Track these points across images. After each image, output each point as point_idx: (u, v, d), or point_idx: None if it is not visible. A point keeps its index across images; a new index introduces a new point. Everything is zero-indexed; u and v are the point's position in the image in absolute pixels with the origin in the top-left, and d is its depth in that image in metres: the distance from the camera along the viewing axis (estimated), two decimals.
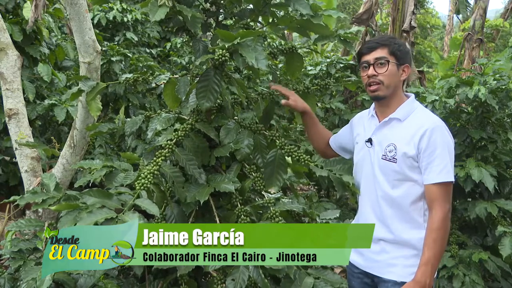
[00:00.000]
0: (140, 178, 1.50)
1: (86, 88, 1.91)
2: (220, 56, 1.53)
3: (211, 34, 1.87)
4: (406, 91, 1.92)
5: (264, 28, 1.95)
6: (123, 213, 1.36)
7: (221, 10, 1.86)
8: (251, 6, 1.85)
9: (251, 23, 1.89)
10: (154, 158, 1.60)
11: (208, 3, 1.83)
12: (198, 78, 1.78)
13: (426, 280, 1.65)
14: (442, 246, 1.69)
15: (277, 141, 1.76)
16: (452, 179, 1.72)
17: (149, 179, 1.50)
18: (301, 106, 1.92)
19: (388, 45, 1.79)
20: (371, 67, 1.78)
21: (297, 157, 1.69)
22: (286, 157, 1.77)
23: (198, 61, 1.60)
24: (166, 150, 1.63)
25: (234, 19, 1.88)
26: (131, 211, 1.38)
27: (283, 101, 1.86)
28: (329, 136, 2.09)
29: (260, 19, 1.90)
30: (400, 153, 1.74)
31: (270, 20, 1.84)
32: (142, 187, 1.47)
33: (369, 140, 1.84)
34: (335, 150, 2.04)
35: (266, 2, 1.74)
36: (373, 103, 1.93)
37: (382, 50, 1.78)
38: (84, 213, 1.33)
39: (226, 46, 1.50)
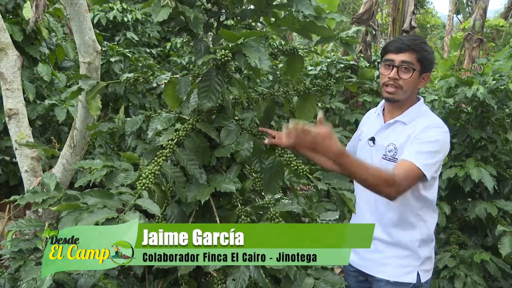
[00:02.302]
0: (141, 178, 1.50)
1: (86, 86, 1.91)
2: (222, 56, 1.53)
3: (212, 34, 1.87)
4: None
5: (265, 29, 1.95)
6: (124, 213, 1.36)
7: (222, 10, 1.85)
8: (252, 6, 1.84)
9: (253, 24, 1.89)
10: (155, 158, 1.60)
11: (209, 3, 1.83)
12: (199, 78, 1.78)
13: (332, 150, 1.48)
14: (361, 174, 1.54)
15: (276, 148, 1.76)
16: (423, 169, 1.59)
17: (151, 179, 1.50)
18: (287, 142, 1.89)
19: (418, 51, 1.71)
20: (395, 70, 1.71)
21: (296, 167, 1.69)
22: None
23: (200, 61, 1.60)
24: (167, 150, 1.63)
25: (235, 20, 1.88)
26: (132, 211, 1.38)
27: (266, 141, 1.83)
28: None
29: (261, 19, 1.89)
30: (400, 153, 1.73)
31: (272, 20, 1.84)
32: (143, 187, 1.47)
33: (372, 139, 1.84)
34: None
35: (268, 3, 1.73)
36: (382, 101, 1.90)
37: (411, 55, 1.70)
38: (85, 213, 1.33)
39: (230, 46, 1.49)
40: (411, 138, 1.70)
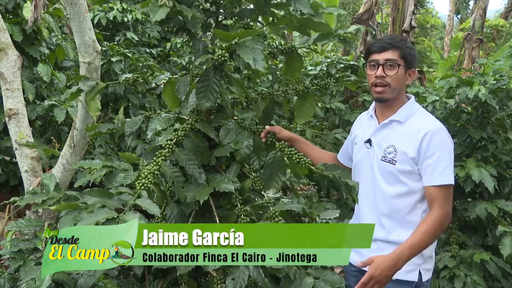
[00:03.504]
0: (140, 178, 1.50)
1: (85, 88, 1.90)
2: (219, 56, 1.53)
3: (211, 34, 1.87)
4: (407, 92, 1.91)
5: (264, 28, 1.95)
6: (124, 213, 1.36)
7: (221, 10, 1.85)
8: (251, 6, 1.84)
9: (251, 23, 1.89)
10: (154, 158, 1.60)
11: (208, 3, 1.83)
12: (198, 78, 1.77)
13: (399, 261, 1.63)
14: (429, 240, 1.68)
15: (276, 143, 1.75)
16: (452, 182, 1.71)
17: (149, 179, 1.50)
18: (286, 134, 1.87)
19: (400, 48, 1.76)
20: (380, 68, 1.76)
21: (297, 160, 1.68)
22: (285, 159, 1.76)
23: (198, 61, 1.60)
24: (166, 150, 1.62)
25: (234, 19, 1.88)
26: (131, 211, 1.37)
27: (267, 127, 1.83)
28: (329, 154, 2.06)
29: (260, 19, 1.89)
30: (400, 154, 1.73)
31: (270, 19, 1.84)
32: (142, 187, 1.46)
33: (368, 141, 1.84)
34: (346, 165, 1.99)
35: (267, 2, 1.73)
36: (373, 103, 1.92)
37: (394, 52, 1.76)
38: (84, 213, 1.33)
39: (224, 46, 1.49)
40: (416, 148, 1.71)
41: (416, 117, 1.79)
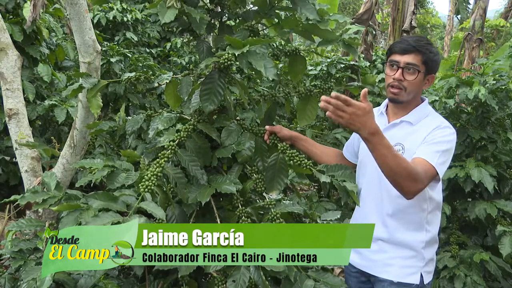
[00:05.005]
0: (143, 180, 1.49)
1: (87, 85, 1.90)
2: (226, 60, 1.52)
3: (212, 35, 1.86)
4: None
5: (267, 30, 1.94)
6: (128, 217, 1.36)
7: (225, 11, 1.85)
8: (255, 8, 1.83)
9: (255, 25, 1.88)
10: (157, 160, 1.59)
11: (212, 4, 1.82)
12: (201, 79, 1.77)
13: (372, 133, 1.46)
14: (395, 165, 1.51)
15: (278, 144, 1.75)
16: (437, 168, 1.61)
17: (153, 181, 1.49)
18: (287, 133, 1.84)
19: (423, 53, 1.71)
20: (400, 71, 1.72)
21: (299, 162, 1.68)
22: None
23: (203, 63, 1.59)
24: (169, 151, 1.62)
25: (238, 20, 1.87)
26: (136, 214, 1.37)
27: (267, 127, 1.81)
28: (332, 150, 2.03)
29: (263, 21, 1.88)
30: (408, 153, 1.72)
31: (275, 22, 1.83)
32: (146, 190, 1.46)
33: None
34: (350, 160, 1.98)
35: (272, 5, 1.72)
36: (385, 101, 1.90)
37: (416, 57, 1.71)
38: (89, 217, 1.33)
39: (236, 54, 1.48)
40: (425, 139, 1.69)
41: (427, 119, 1.77)
